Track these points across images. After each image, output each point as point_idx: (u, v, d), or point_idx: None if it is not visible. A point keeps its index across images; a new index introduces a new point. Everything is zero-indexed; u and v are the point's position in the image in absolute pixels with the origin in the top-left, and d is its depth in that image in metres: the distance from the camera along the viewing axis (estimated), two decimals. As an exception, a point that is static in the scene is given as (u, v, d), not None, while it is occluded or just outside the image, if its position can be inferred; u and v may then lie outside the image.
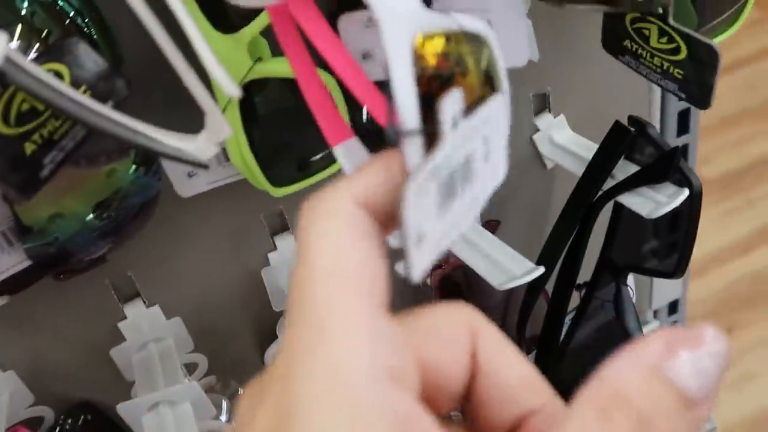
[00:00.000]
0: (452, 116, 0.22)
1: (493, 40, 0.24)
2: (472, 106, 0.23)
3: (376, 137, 0.27)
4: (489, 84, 0.24)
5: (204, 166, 0.32)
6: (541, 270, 0.46)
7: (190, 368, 0.54)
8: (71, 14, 0.40)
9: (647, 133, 0.49)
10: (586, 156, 0.54)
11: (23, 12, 0.39)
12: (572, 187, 0.54)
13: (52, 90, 0.32)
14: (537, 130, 0.59)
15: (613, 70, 0.60)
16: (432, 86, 0.22)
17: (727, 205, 1.62)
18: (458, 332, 0.21)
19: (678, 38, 0.36)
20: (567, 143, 0.57)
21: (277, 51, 0.42)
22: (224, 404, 0.58)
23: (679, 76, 0.37)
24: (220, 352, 0.56)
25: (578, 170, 0.54)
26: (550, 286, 0.56)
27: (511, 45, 0.31)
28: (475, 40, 0.24)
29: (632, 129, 0.50)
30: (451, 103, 0.22)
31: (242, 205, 0.51)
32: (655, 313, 0.79)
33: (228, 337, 0.57)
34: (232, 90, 0.31)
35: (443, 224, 0.23)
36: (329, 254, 0.19)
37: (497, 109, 0.24)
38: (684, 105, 0.65)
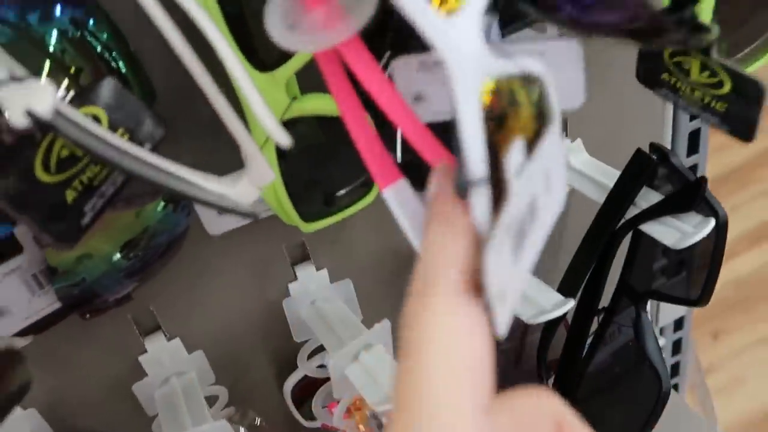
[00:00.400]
0: (516, 166, 0.22)
1: (546, 76, 0.24)
2: (529, 144, 0.23)
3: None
4: (541, 117, 0.24)
5: (254, 216, 0.32)
6: (572, 303, 0.46)
7: (210, 400, 0.54)
8: (99, 49, 0.39)
9: (670, 161, 0.50)
10: (604, 181, 0.54)
11: (52, 49, 0.38)
12: (589, 212, 0.54)
13: (97, 138, 0.31)
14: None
15: (628, 92, 0.60)
16: (487, 127, 0.22)
17: (711, 211, 1.63)
18: (546, 425, 0.22)
19: (722, 73, 0.36)
20: (584, 168, 0.56)
21: (304, 88, 0.41)
22: (242, 433, 0.57)
23: (722, 110, 0.37)
24: (239, 382, 0.56)
25: (596, 195, 0.54)
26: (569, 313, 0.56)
27: (567, 87, 0.31)
28: (527, 77, 0.24)
29: (654, 157, 0.50)
30: (515, 153, 0.22)
31: (264, 236, 0.50)
32: (661, 331, 0.80)
33: (247, 367, 0.56)
34: (283, 140, 0.31)
35: (518, 271, 0.22)
36: (445, 349, 0.19)
37: (553, 140, 0.24)
38: (695, 126, 0.65)
